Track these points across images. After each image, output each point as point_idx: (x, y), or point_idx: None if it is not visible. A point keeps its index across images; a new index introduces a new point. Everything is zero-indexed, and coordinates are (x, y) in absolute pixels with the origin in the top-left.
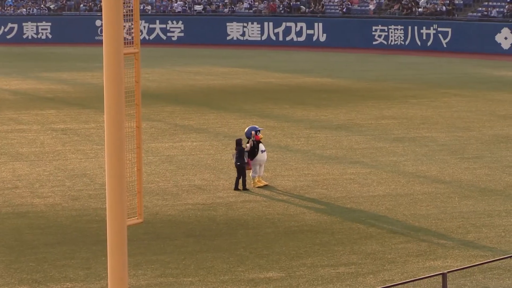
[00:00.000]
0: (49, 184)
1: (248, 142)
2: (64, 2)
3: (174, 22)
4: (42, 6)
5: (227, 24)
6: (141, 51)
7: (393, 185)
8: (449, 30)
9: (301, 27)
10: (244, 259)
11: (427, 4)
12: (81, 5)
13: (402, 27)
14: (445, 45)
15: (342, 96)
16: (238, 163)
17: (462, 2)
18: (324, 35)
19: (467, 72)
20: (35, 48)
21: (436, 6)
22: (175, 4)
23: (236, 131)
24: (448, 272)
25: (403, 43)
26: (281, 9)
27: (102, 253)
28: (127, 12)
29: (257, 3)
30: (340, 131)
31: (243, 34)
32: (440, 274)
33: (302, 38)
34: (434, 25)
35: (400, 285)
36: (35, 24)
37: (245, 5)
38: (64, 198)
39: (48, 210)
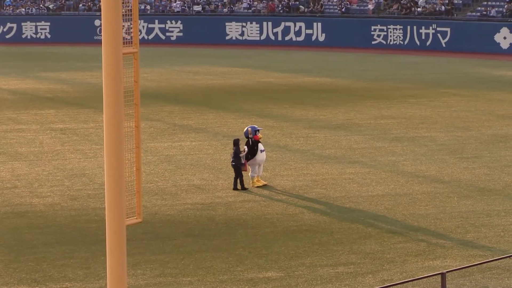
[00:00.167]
0: (48, 183)
1: (246, 144)
2: (63, 2)
3: (173, 22)
4: (41, 6)
5: (226, 24)
6: (140, 50)
7: (392, 184)
8: (448, 29)
9: (300, 27)
10: (243, 259)
11: (426, 3)
12: (80, 5)
13: (401, 27)
14: (444, 45)
15: (341, 95)
16: (233, 163)
17: (461, 1)
18: (323, 35)
19: (466, 71)
20: (34, 48)
21: (435, 5)
22: (174, 4)
23: (235, 131)
24: (447, 271)
25: (402, 42)
26: (280, 9)
27: (101, 253)
28: (126, 12)
29: (256, 3)
30: (339, 131)
31: (242, 34)
32: (439, 273)
33: (301, 38)
34: (433, 25)
35: (399, 285)
36: (34, 24)
37: (244, 5)
38: (63, 197)
39: (47, 210)
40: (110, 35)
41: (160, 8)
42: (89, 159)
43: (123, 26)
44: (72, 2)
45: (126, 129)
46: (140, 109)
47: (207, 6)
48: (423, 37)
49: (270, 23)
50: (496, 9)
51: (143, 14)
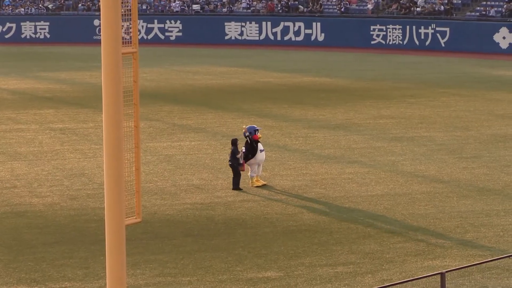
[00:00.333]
0: (48, 183)
1: (246, 143)
2: (62, 1)
3: (172, 21)
4: (40, 5)
5: (225, 23)
6: (139, 50)
7: (391, 184)
8: (448, 29)
9: (299, 27)
10: (243, 259)
11: (425, 3)
12: (79, 5)
13: (400, 27)
14: (443, 45)
15: (341, 95)
16: (230, 163)
17: (460, 1)
18: (322, 34)
19: (465, 71)
20: (33, 47)
21: (434, 5)
22: (173, 4)
23: (235, 131)
24: (447, 271)
25: (401, 42)
26: (279, 8)
27: (101, 253)
28: (125, 11)
29: (255, 2)
30: (338, 131)
31: (241, 34)
32: (439, 273)
33: (300, 38)
34: (432, 25)
35: (398, 285)
36: (33, 23)
37: (243, 4)
38: (63, 197)
39: (47, 210)
40: (109, 35)
41: (159, 8)
42: (89, 159)
43: (122, 26)
44: (71, 2)
45: (125, 129)
46: (140, 109)
47: (206, 6)
48: (422, 37)
49: (269, 23)
50: (495, 9)
51: (142, 14)
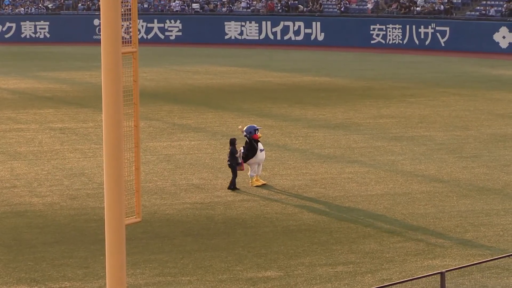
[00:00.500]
0: (47, 183)
1: (246, 143)
2: (62, 1)
3: (172, 21)
4: (40, 5)
5: (225, 23)
6: (139, 50)
7: (391, 184)
8: (447, 29)
9: (299, 26)
10: (242, 258)
11: (425, 3)
12: (79, 4)
13: (400, 26)
14: (443, 44)
15: (340, 95)
16: (229, 163)
17: (460, 1)
18: (322, 34)
19: (465, 71)
20: (33, 47)
21: (434, 5)
22: (173, 3)
23: (234, 130)
24: (447, 271)
25: (401, 42)
26: (279, 8)
27: (101, 252)
28: (125, 11)
29: (255, 2)
30: (338, 130)
31: (241, 33)
32: (439, 273)
33: (300, 37)
34: (432, 24)
35: (398, 284)
36: (33, 23)
37: (243, 4)
38: (62, 197)
39: (46, 209)
40: (109, 35)
41: (159, 7)
42: (88, 158)
43: (122, 25)
44: (71, 2)
45: (125, 128)
46: (139, 109)
47: (206, 6)
48: (422, 37)
49: (269, 23)
50: (495, 8)
51: (142, 14)
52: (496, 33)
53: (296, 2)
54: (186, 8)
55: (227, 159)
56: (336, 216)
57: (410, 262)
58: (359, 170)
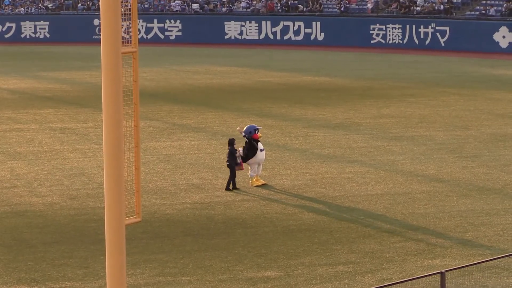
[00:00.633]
0: (47, 183)
1: (245, 143)
2: (62, 1)
3: (172, 21)
4: (40, 5)
5: (225, 23)
6: (139, 50)
7: (391, 184)
8: (447, 29)
9: (299, 26)
10: (242, 258)
11: (425, 2)
12: (79, 4)
13: (400, 26)
14: (443, 44)
15: (340, 95)
16: (228, 163)
17: (460, 0)
18: (322, 34)
19: (465, 71)
20: (33, 47)
21: (434, 4)
22: (173, 3)
23: (234, 130)
24: (447, 271)
25: (401, 42)
26: (279, 8)
27: (101, 252)
28: (125, 11)
29: (254, 2)
30: (338, 130)
31: (241, 33)
32: (439, 273)
33: (300, 37)
34: (432, 24)
35: (398, 284)
36: (33, 23)
37: (243, 4)
38: (62, 197)
39: (46, 209)
40: (109, 35)
41: (159, 7)
42: (88, 158)
43: (122, 25)
44: (71, 2)
45: (125, 128)
46: (139, 109)
47: (206, 6)
48: (422, 36)
49: (269, 22)
50: (495, 8)
51: (142, 14)
52: (496, 33)
53: (296, 2)
54: (186, 8)
55: (226, 159)
56: (336, 216)
57: (410, 262)
58: (359, 170)
